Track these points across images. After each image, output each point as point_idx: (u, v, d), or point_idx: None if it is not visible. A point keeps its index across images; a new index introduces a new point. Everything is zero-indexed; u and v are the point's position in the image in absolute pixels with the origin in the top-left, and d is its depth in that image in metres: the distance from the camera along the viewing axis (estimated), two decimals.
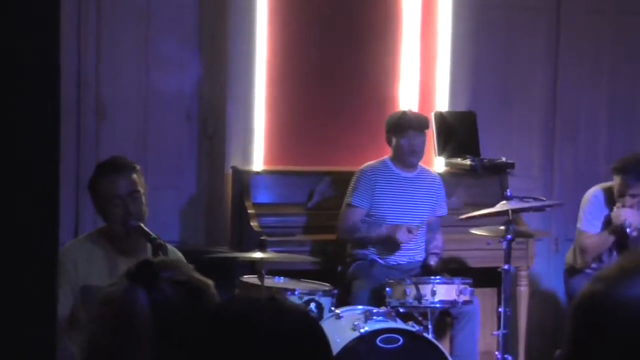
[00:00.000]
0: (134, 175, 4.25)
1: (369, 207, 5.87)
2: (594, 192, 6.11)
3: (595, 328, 1.62)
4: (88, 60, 6.38)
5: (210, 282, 2.31)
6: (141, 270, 2.25)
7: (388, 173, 5.94)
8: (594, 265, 6.02)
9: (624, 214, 5.85)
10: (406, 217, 5.86)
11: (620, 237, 5.93)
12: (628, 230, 5.85)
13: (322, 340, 1.86)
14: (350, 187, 5.94)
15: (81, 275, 4.17)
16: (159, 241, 4.01)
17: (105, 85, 6.44)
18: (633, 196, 5.85)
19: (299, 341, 1.82)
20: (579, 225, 6.12)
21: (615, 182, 5.93)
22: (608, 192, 6.05)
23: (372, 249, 5.86)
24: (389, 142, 5.96)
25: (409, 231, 5.73)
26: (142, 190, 4.26)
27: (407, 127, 5.86)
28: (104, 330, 2.24)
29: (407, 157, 5.89)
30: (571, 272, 6.15)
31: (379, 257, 5.85)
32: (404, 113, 6.08)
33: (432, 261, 5.87)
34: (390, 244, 5.79)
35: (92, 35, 6.39)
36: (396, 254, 5.84)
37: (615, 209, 5.90)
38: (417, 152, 5.90)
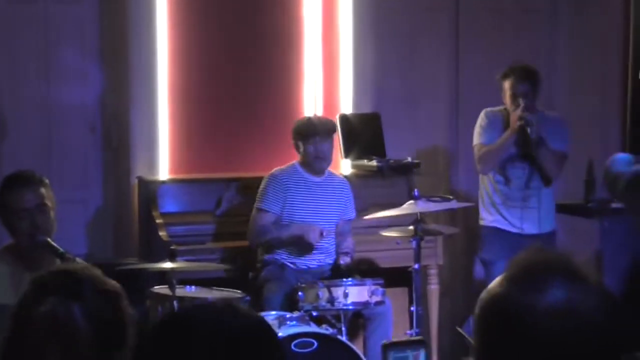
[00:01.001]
0: (42, 189, 4.18)
1: (279, 212, 5.87)
2: (484, 112, 6.07)
3: (499, 330, 1.65)
4: None
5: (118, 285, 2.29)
6: (64, 281, 2.19)
7: (298, 178, 5.94)
8: (498, 178, 5.97)
9: (522, 112, 5.79)
10: (317, 221, 5.86)
11: (522, 141, 5.85)
12: (529, 129, 5.77)
13: (277, 347, 1.85)
14: (260, 192, 5.93)
15: None
16: (68, 256, 3.95)
17: (5, 99, 6.34)
18: (525, 95, 5.83)
19: (256, 346, 1.79)
20: (474, 141, 6.03)
21: (505, 88, 5.90)
22: (499, 112, 6.00)
23: (283, 253, 5.85)
24: (297, 148, 5.96)
25: (321, 233, 5.75)
26: (50, 204, 4.19)
27: (313, 134, 5.86)
28: (41, 354, 2.17)
29: (315, 163, 5.90)
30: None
31: (289, 262, 5.84)
32: (309, 119, 6.07)
33: (343, 261, 5.88)
34: (301, 245, 5.79)
35: None
36: (306, 257, 5.84)
37: (512, 113, 5.86)
38: (325, 158, 5.92)
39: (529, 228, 5.94)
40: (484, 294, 1.70)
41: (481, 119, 6.06)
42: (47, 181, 4.24)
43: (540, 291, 1.62)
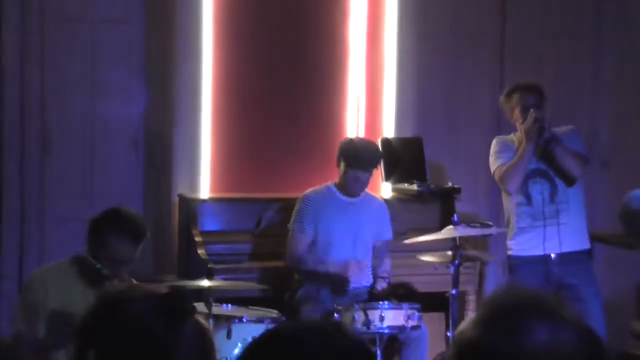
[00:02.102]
0: (141, 245, 4.25)
1: (313, 234, 5.88)
2: (495, 139, 5.98)
3: None
4: (32, 90, 6.34)
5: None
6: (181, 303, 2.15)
7: (332, 198, 5.94)
8: (521, 200, 5.80)
9: (533, 115, 5.66)
10: (350, 242, 5.86)
11: (540, 152, 5.72)
12: (546, 125, 5.64)
13: None
14: (295, 213, 5.95)
15: (51, 300, 4.16)
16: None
17: (51, 116, 6.41)
18: (535, 107, 5.70)
19: None
20: (492, 167, 5.88)
21: (513, 105, 5.80)
22: (510, 139, 5.91)
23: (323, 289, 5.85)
24: (338, 164, 5.95)
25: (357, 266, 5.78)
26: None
27: (358, 163, 5.85)
28: None
29: (351, 188, 5.91)
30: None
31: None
32: (361, 147, 5.96)
33: (380, 286, 5.88)
34: (337, 279, 5.79)
35: (36, 66, 6.35)
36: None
37: (522, 127, 5.71)
38: (362, 187, 5.92)
39: (561, 246, 5.73)
40: (457, 335, 1.66)
41: (494, 146, 5.94)
42: (148, 234, 4.35)
43: (517, 332, 1.58)
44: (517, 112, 5.80)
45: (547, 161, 5.75)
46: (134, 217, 4.37)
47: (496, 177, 5.87)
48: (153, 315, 1.96)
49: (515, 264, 5.89)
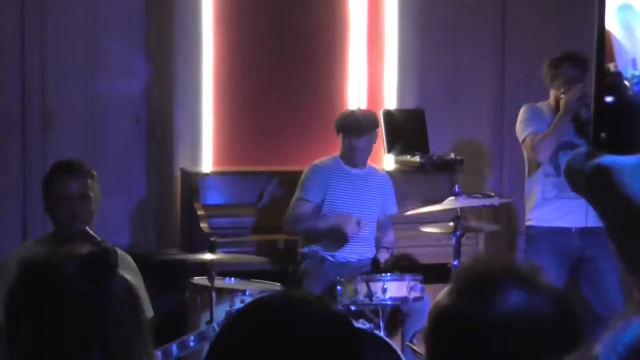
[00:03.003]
0: (88, 180, 4.24)
1: (320, 202, 5.89)
2: (525, 106, 5.88)
3: (455, 342, 1.64)
4: (33, 67, 6.34)
5: None
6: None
7: (339, 170, 5.95)
8: (549, 170, 5.73)
9: (579, 90, 5.57)
10: (357, 213, 5.87)
11: (576, 126, 5.65)
12: (584, 111, 5.52)
13: (355, 348, 1.82)
14: (301, 182, 5.95)
15: None
16: (106, 245, 3.99)
17: (52, 91, 6.40)
18: (580, 80, 5.62)
19: (336, 342, 1.78)
20: (521, 135, 5.79)
21: (558, 74, 5.74)
22: (542, 106, 5.81)
23: (321, 246, 5.86)
24: (340, 139, 5.97)
25: (358, 223, 5.75)
26: (92, 196, 4.24)
27: (349, 129, 5.87)
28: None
29: (350, 156, 5.91)
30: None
31: (329, 255, 5.85)
32: (351, 113, 6.04)
33: (382, 257, 5.89)
34: (337, 235, 5.78)
35: (36, 42, 6.35)
36: (346, 250, 5.84)
37: (563, 98, 5.63)
38: (360, 153, 5.91)
39: (587, 220, 5.60)
40: (433, 307, 1.69)
41: (524, 113, 5.85)
42: (95, 173, 4.29)
43: (490, 298, 1.61)
44: (559, 81, 5.74)
45: (581, 135, 5.70)
46: (70, 159, 4.40)
47: (526, 144, 5.80)
48: (79, 276, 1.98)
49: (534, 234, 5.86)
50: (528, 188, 5.92)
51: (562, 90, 5.69)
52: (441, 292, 1.69)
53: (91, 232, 4.10)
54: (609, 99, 1.76)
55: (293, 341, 1.74)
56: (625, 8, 1.79)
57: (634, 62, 1.79)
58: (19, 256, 4.15)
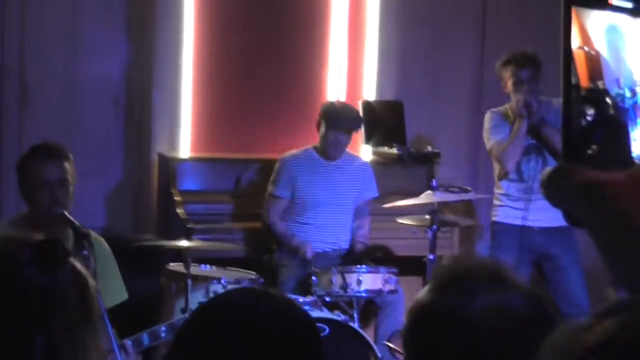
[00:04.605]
0: (66, 164, 4.23)
1: (290, 197, 5.90)
2: (488, 113, 5.96)
3: (432, 336, 1.69)
4: (12, 46, 6.29)
5: None
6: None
7: (311, 161, 5.95)
8: (513, 177, 5.80)
9: (523, 95, 5.67)
10: (331, 204, 5.87)
11: (533, 127, 5.69)
12: (534, 104, 5.62)
13: (309, 336, 1.86)
14: (272, 176, 5.97)
15: None
16: (83, 229, 3.99)
17: (30, 71, 6.36)
18: (528, 81, 5.70)
19: (286, 332, 1.81)
20: (488, 144, 5.89)
21: (506, 77, 5.77)
22: (503, 110, 5.89)
23: (298, 235, 5.86)
24: (318, 127, 5.95)
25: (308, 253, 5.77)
26: (70, 180, 4.23)
27: (339, 125, 5.85)
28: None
29: (329, 150, 5.91)
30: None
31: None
32: (342, 109, 6.00)
33: (357, 248, 5.91)
34: (299, 254, 5.81)
35: (15, 21, 6.31)
36: (322, 241, 5.85)
37: (516, 100, 5.71)
38: (340, 150, 5.92)
39: (546, 220, 5.69)
40: (412, 305, 1.73)
41: (487, 121, 5.92)
42: (71, 157, 4.28)
43: (469, 295, 1.67)
44: (509, 84, 5.79)
45: (539, 138, 5.76)
46: (47, 141, 4.39)
47: (493, 155, 5.89)
48: (29, 263, 1.99)
49: (498, 230, 5.96)
50: (496, 188, 6.01)
51: (513, 92, 5.75)
52: (420, 291, 1.73)
53: (69, 216, 4.09)
54: (590, 116, 1.79)
55: (255, 338, 1.77)
56: (611, 29, 1.83)
57: (617, 81, 1.83)
58: None
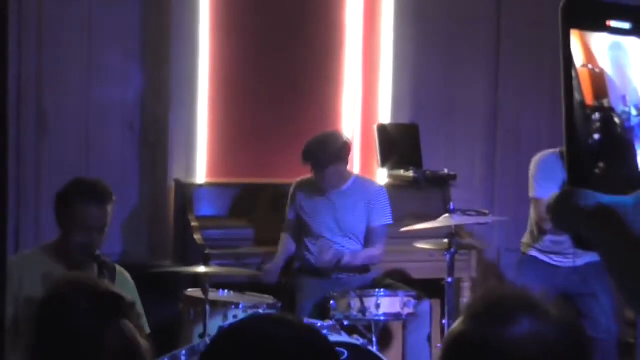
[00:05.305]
0: (109, 208, 4.18)
1: (296, 220, 5.94)
2: (541, 157, 5.68)
3: None
4: (29, 73, 6.32)
5: None
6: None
7: (315, 186, 5.90)
8: (550, 240, 5.72)
9: None
10: (334, 228, 5.81)
11: None
12: None
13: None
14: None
15: (25, 287, 4.10)
16: (107, 263, 3.98)
17: (47, 97, 6.39)
18: None
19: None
20: (531, 194, 5.68)
21: None
22: (560, 155, 5.48)
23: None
24: None
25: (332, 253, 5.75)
26: (109, 223, 4.20)
27: (309, 162, 5.79)
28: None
29: (320, 185, 5.87)
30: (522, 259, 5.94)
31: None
32: (310, 148, 5.84)
33: (329, 255, 5.77)
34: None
35: (32, 47, 6.33)
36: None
37: None
38: (325, 182, 5.83)
39: (580, 259, 5.68)
40: (447, 334, 1.74)
41: (534, 168, 5.70)
42: (114, 198, 4.23)
43: (503, 324, 1.66)
44: None
45: None
46: (96, 181, 4.33)
47: (533, 206, 5.75)
48: (86, 311, 2.00)
49: (526, 260, 5.87)
50: (530, 228, 5.89)
51: None
52: (456, 321, 1.73)
53: (102, 257, 4.06)
54: (596, 135, 1.79)
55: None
56: (615, 46, 1.83)
57: (623, 98, 1.82)
58: (17, 264, 4.15)
